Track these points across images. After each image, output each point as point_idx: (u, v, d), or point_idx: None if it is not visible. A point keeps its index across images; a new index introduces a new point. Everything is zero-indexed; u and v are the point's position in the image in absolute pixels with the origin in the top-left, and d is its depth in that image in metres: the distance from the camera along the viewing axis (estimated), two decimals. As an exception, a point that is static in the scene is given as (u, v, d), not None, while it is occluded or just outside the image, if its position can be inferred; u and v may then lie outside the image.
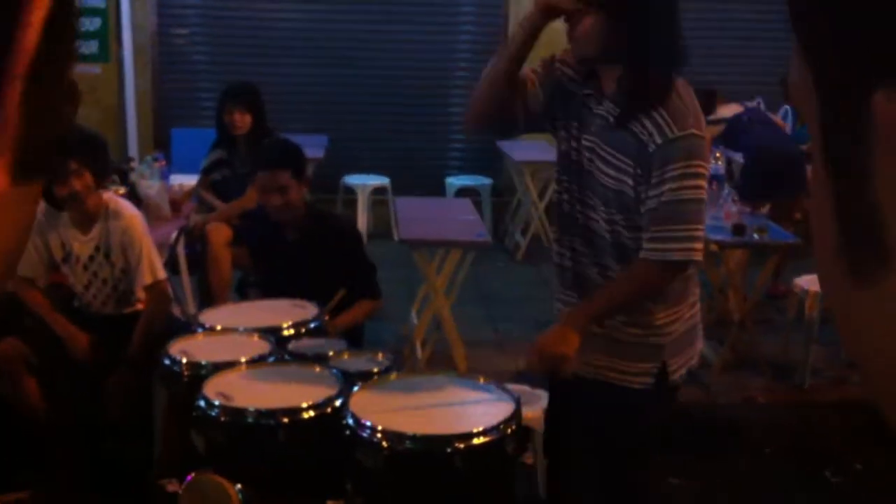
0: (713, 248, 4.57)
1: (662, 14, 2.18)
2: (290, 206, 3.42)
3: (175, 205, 4.87)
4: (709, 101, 6.02)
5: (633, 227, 2.21)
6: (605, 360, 2.29)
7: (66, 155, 3.12)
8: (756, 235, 4.52)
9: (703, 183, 2.14)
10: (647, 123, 2.13)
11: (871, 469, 3.88)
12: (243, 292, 4.27)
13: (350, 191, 7.32)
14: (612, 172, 2.19)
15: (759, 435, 4.24)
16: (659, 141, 2.11)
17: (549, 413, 2.59)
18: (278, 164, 3.45)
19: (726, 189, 4.74)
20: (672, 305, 2.29)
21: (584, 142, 2.26)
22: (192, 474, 2.29)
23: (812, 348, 4.63)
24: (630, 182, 2.17)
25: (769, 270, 4.91)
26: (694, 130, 2.12)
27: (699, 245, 2.14)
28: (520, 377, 2.73)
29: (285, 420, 2.24)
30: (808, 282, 4.77)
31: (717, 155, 4.86)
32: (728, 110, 6.01)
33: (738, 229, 4.53)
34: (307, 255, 3.41)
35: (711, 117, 5.88)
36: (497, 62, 2.32)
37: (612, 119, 2.19)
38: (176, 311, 4.04)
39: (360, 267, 3.47)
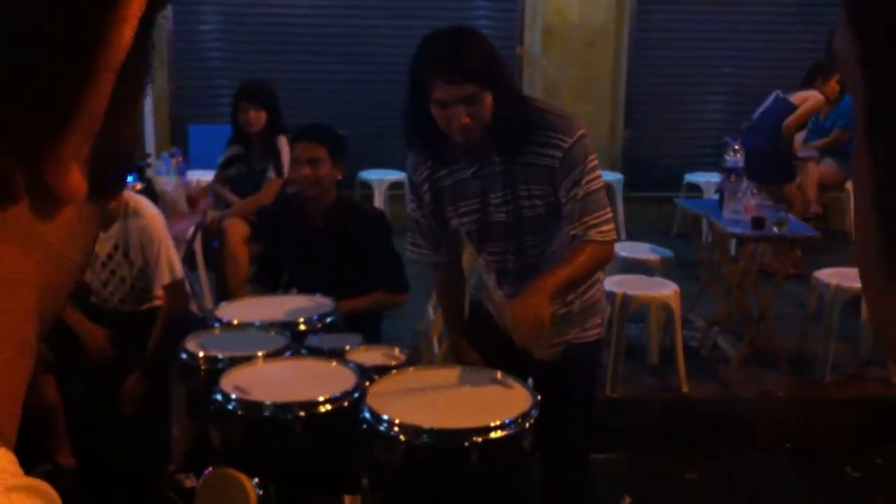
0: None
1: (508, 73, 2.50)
2: (320, 181, 3.41)
3: (192, 200, 4.88)
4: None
5: None
6: (567, 335, 2.60)
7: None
8: (775, 228, 4.49)
9: (599, 170, 2.47)
10: (542, 148, 2.39)
11: (891, 464, 3.84)
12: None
13: (367, 186, 7.32)
14: (540, 202, 2.46)
15: (777, 430, 4.21)
16: (560, 155, 2.38)
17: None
18: (314, 137, 3.48)
19: (745, 182, 4.71)
20: None
21: (501, 199, 2.48)
22: (209, 469, 2.29)
23: (831, 343, 4.59)
24: (550, 202, 2.46)
25: (788, 264, 4.88)
26: (580, 132, 2.41)
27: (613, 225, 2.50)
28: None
29: (302, 414, 2.24)
30: (829, 276, 4.73)
31: (736, 148, 4.82)
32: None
33: (758, 222, 4.50)
34: (334, 242, 3.40)
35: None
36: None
37: (516, 164, 2.43)
38: (193, 306, 4.04)
39: (387, 257, 3.45)
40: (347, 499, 2.37)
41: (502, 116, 2.36)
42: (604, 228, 2.42)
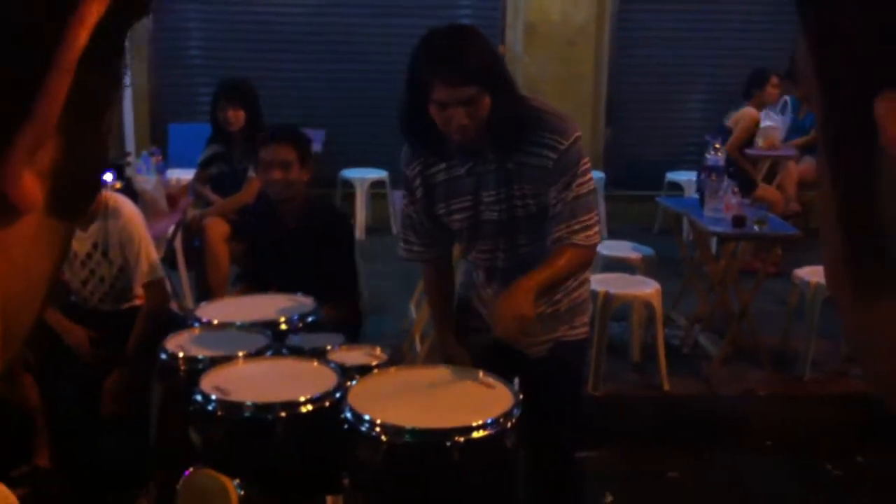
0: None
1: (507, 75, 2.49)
2: (292, 184, 3.41)
3: (172, 199, 4.85)
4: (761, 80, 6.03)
5: None
6: (555, 332, 2.61)
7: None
8: (756, 227, 4.50)
9: (591, 173, 2.49)
10: (537, 148, 2.40)
11: (872, 462, 3.86)
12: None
13: (348, 184, 7.30)
14: (532, 202, 2.47)
15: (759, 428, 4.22)
16: (554, 156, 2.39)
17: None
18: (283, 139, 3.47)
19: (725, 181, 4.72)
20: None
21: (494, 198, 2.48)
22: (190, 469, 2.27)
23: (812, 341, 4.62)
24: (542, 201, 2.47)
25: (769, 262, 4.90)
26: (576, 134, 2.43)
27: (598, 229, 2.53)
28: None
29: (283, 414, 2.22)
30: (809, 273, 4.75)
31: (717, 146, 4.84)
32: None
33: (739, 221, 4.52)
34: (305, 243, 3.40)
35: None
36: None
37: (510, 163, 2.44)
38: (173, 305, 4.02)
39: (341, 262, 3.44)
40: (329, 499, 2.35)
41: (500, 116, 2.36)
42: (589, 233, 2.45)
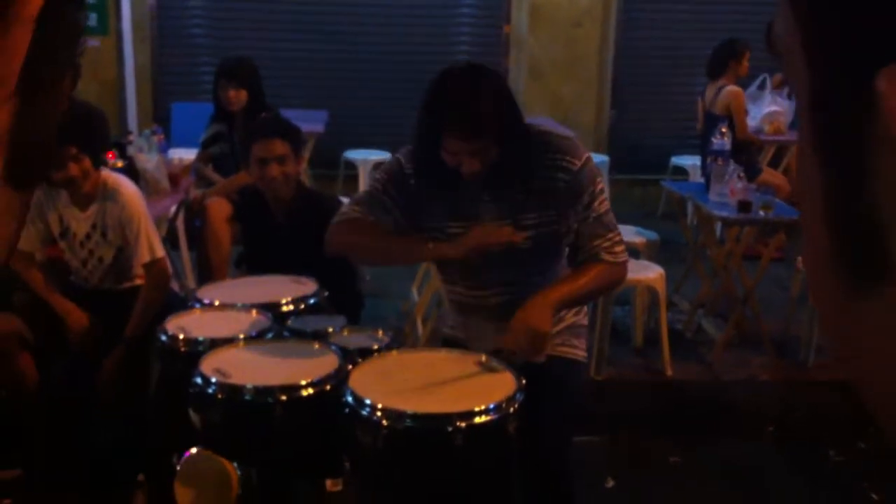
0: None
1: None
2: (288, 178, 3.39)
3: (174, 179, 4.82)
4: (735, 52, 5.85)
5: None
6: (562, 339, 2.56)
7: (64, 142, 3.07)
8: (762, 212, 4.47)
9: (606, 192, 2.45)
10: (548, 171, 2.35)
11: (874, 448, 3.85)
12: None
13: (351, 165, 7.27)
14: (531, 233, 2.39)
15: (761, 413, 4.21)
16: (567, 177, 2.35)
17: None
18: (276, 133, 3.43)
19: (731, 166, 4.69)
20: None
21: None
22: (189, 452, 2.26)
23: (815, 326, 4.60)
24: (555, 228, 2.40)
25: (773, 247, 4.87)
26: (587, 154, 2.40)
27: (624, 246, 2.47)
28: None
29: (283, 397, 2.21)
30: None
31: (723, 130, 4.80)
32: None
33: (744, 206, 4.48)
34: (295, 235, 3.37)
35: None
36: (390, 254, 2.59)
37: (520, 191, 2.37)
38: (174, 286, 4.00)
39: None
40: (329, 482, 2.34)
41: (509, 155, 2.31)
42: (616, 250, 2.40)
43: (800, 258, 4.84)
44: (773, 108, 6.23)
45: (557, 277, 2.47)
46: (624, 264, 2.45)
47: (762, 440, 4.00)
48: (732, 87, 5.74)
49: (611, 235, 2.40)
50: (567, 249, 2.51)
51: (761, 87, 6.37)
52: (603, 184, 2.42)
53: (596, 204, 2.38)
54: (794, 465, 3.89)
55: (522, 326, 2.25)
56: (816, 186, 0.32)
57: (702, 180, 5.61)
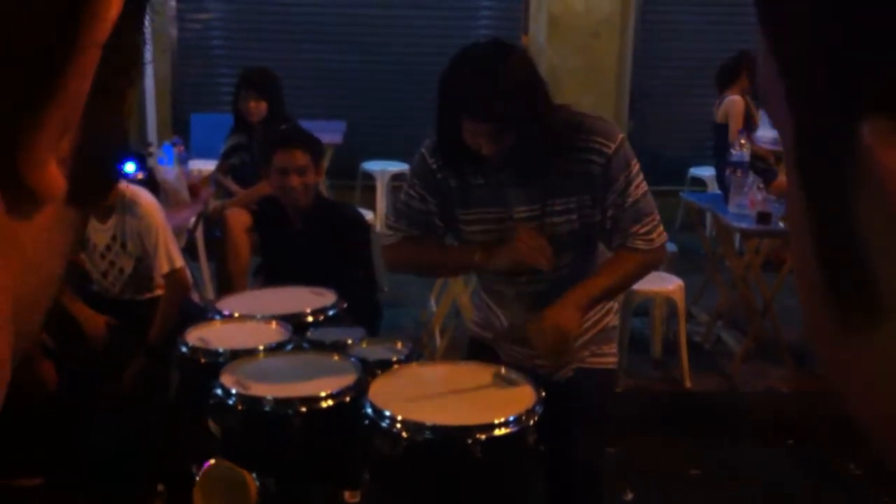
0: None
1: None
2: (308, 189, 3.41)
3: (193, 190, 4.86)
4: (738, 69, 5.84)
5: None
6: (592, 350, 2.46)
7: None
8: (782, 224, 4.45)
9: (642, 174, 2.33)
10: (582, 154, 2.25)
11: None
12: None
13: (369, 177, 7.28)
14: (571, 217, 2.30)
15: (781, 425, 4.18)
16: (602, 160, 2.24)
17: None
18: (298, 144, 3.45)
19: (751, 177, 4.67)
20: None
21: (527, 213, 2.31)
22: (210, 462, 2.26)
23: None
24: (586, 213, 2.30)
25: (793, 259, 4.84)
26: (622, 136, 2.29)
27: (662, 227, 2.36)
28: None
29: (303, 409, 2.21)
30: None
31: (742, 142, 4.78)
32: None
33: (763, 217, 4.47)
34: (314, 245, 3.39)
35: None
36: (446, 267, 2.58)
37: (551, 174, 2.27)
38: (194, 297, 4.02)
39: (361, 264, 3.42)
40: (347, 494, 2.34)
41: (535, 136, 2.22)
42: (652, 236, 2.31)
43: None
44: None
45: (592, 267, 2.39)
46: (661, 248, 2.35)
47: (781, 452, 3.97)
48: (734, 97, 5.75)
49: (647, 220, 2.29)
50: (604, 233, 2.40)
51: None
52: (638, 165, 2.30)
53: (632, 188, 2.27)
54: (813, 477, 3.86)
55: (550, 325, 2.19)
56: (804, 223, 0.33)
57: (719, 191, 5.59)
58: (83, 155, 0.34)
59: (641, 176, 2.31)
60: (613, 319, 2.53)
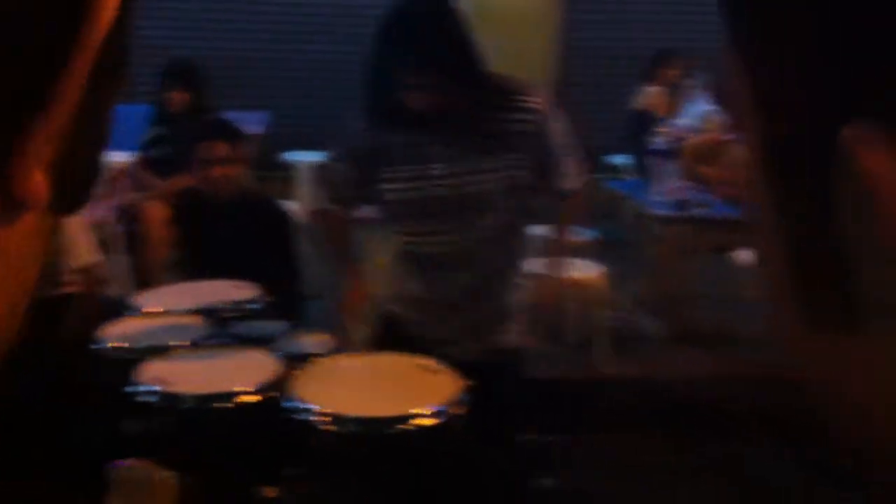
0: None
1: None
2: (230, 180, 3.38)
3: (110, 182, 4.74)
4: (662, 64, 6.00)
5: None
6: (481, 338, 2.52)
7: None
8: (699, 210, 4.54)
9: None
10: (511, 113, 2.33)
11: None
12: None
13: (289, 167, 7.21)
14: (490, 178, 2.35)
15: (693, 409, 4.25)
16: (534, 119, 2.35)
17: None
18: (220, 135, 3.43)
19: (669, 165, 4.75)
20: None
21: (448, 171, 2.36)
22: (125, 462, 2.21)
23: (756, 322, 4.67)
24: (515, 173, 2.37)
25: (711, 243, 4.94)
26: (545, 96, 2.41)
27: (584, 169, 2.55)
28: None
29: (226, 405, 2.17)
30: (749, 255, 4.80)
31: (663, 131, 4.86)
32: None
33: (681, 204, 4.55)
34: (233, 237, 3.35)
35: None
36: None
37: (481, 134, 2.33)
38: (111, 292, 3.92)
39: (285, 260, 3.39)
40: (271, 490, 2.31)
41: (463, 96, 2.29)
42: (579, 174, 2.50)
43: (733, 253, 4.92)
44: (711, 106, 6.33)
45: (520, 230, 2.51)
46: (580, 194, 2.54)
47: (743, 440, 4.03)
48: (655, 88, 5.92)
49: (573, 163, 2.47)
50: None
51: (697, 86, 6.47)
52: (565, 120, 2.47)
53: (560, 141, 2.43)
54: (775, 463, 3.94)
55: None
56: (775, 226, 0.32)
57: (638, 178, 5.68)
58: (68, 161, 0.32)
59: (567, 128, 2.46)
60: (517, 294, 2.56)
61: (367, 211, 2.60)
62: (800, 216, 0.31)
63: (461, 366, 2.32)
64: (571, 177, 2.48)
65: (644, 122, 5.73)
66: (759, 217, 0.34)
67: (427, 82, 2.23)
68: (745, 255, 4.84)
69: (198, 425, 2.20)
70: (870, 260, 0.29)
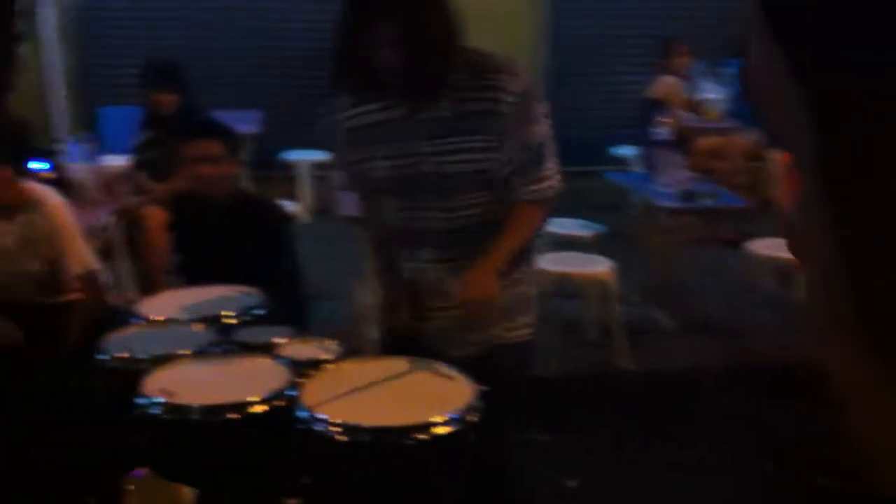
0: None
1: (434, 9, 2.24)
2: (223, 178, 3.29)
3: (108, 187, 4.67)
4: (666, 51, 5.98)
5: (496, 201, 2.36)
6: (505, 324, 2.43)
7: None
8: (708, 201, 4.48)
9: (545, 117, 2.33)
10: (488, 92, 2.22)
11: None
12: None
13: (289, 167, 7.14)
14: (464, 157, 2.26)
15: (712, 405, 4.21)
16: (510, 99, 2.22)
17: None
18: (208, 133, 3.34)
19: (674, 155, 4.69)
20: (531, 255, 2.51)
21: (430, 149, 2.28)
22: (140, 471, 2.15)
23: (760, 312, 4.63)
24: (492, 155, 2.26)
25: (721, 234, 4.89)
26: (528, 76, 2.28)
27: (559, 176, 2.39)
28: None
29: (233, 416, 2.10)
30: (762, 247, 4.74)
31: (665, 120, 4.79)
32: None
33: (688, 195, 4.48)
34: (234, 242, 3.27)
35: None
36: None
37: (455, 111, 2.24)
38: (112, 299, 3.86)
39: (285, 265, 3.32)
40: (286, 501, 2.25)
41: (438, 69, 2.21)
42: (553, 182, 2.37)
43: (746, 244, 4.87)
44: (713, 94, 6.27)
45: (496, 211, 2.36)
46: (554, 196, 2.39)
47: (725, 432, 3.99)
48: (669, 77, 5.87)
49: (551, 163, 2.35)
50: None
51: (700, 73, 6.44)
52: (545, 108, 2.32)
53: (538, 128, 2.31)
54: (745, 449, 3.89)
55: (471, 295, 2.24)
56: (828, 237, 0.28)
57: (644, 170, 5.62)
58: None
59: (547, 119, 2.32)
60: (526, 288, 2.48)
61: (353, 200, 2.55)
62: (868, 227, 0.27)
63: (470, 366, 2.26)
64: (547, 181, 2.37)
65: (652, 111, 5.68)
66: (807, 235, 0.30)
67: (395, 39, 2.14)
68: (754, 247, 4.78)
69: (206, 437, 2.13)
70: None
